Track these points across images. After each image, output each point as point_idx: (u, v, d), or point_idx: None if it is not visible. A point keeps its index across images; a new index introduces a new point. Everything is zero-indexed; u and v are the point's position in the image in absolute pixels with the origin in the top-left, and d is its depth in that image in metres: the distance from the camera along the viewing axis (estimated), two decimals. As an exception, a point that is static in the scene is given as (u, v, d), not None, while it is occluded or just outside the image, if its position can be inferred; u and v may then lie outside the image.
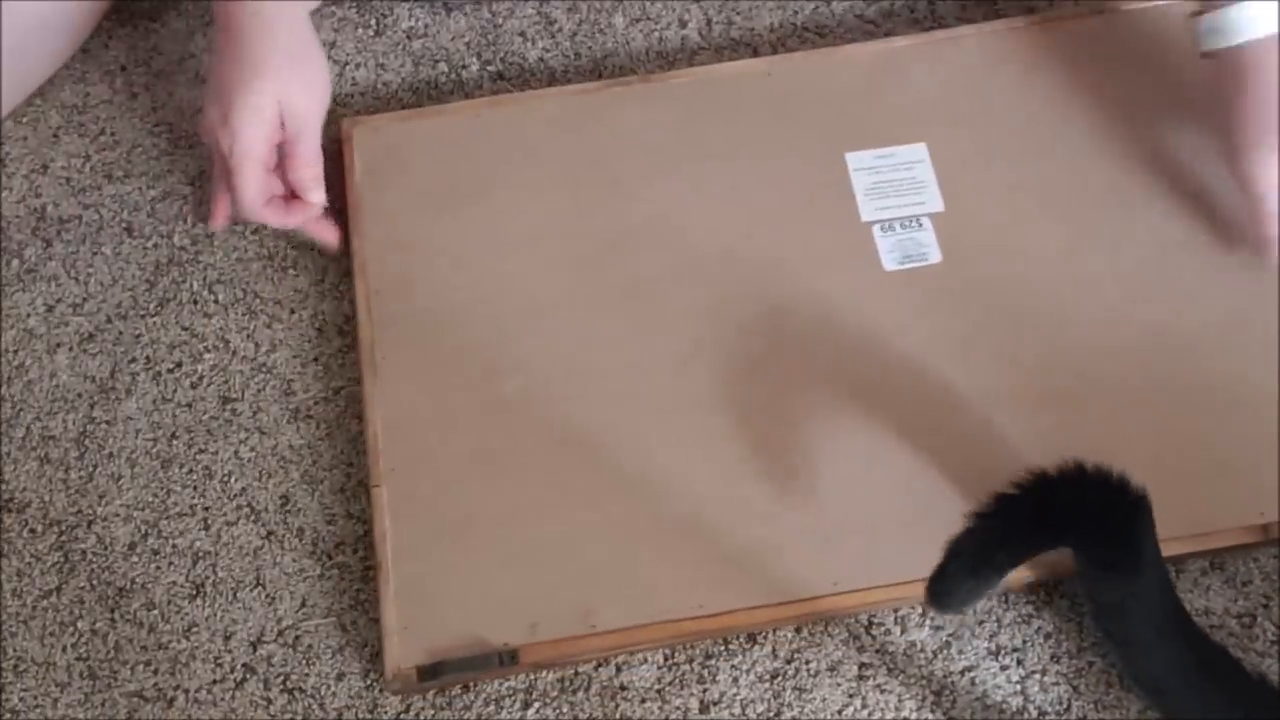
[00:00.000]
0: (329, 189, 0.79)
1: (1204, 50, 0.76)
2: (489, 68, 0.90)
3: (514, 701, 0.70)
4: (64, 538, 0.76)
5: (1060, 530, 0.64)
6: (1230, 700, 0.64)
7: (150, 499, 0.77)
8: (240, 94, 0.73)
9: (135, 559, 0.75)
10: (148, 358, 0.81)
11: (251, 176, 0.74)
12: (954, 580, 0.63)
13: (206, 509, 0.76)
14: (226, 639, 0.73)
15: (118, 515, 0.76)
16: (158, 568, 0.75)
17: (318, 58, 0.78)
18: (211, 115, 0.75)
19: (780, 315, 0.77)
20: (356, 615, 0.73)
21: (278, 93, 0.74)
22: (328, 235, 0.80)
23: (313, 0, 0.80)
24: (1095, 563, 0.64)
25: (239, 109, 0.73)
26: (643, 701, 0.70)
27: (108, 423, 0.79)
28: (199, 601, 0.74)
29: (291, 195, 0.78)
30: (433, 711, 0.70)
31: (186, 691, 0.72)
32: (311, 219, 0.79)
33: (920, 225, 0.80)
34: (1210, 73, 0.77)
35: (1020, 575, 0.70)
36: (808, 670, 0.70)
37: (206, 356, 0.81)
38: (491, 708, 0.70)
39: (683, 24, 0.91)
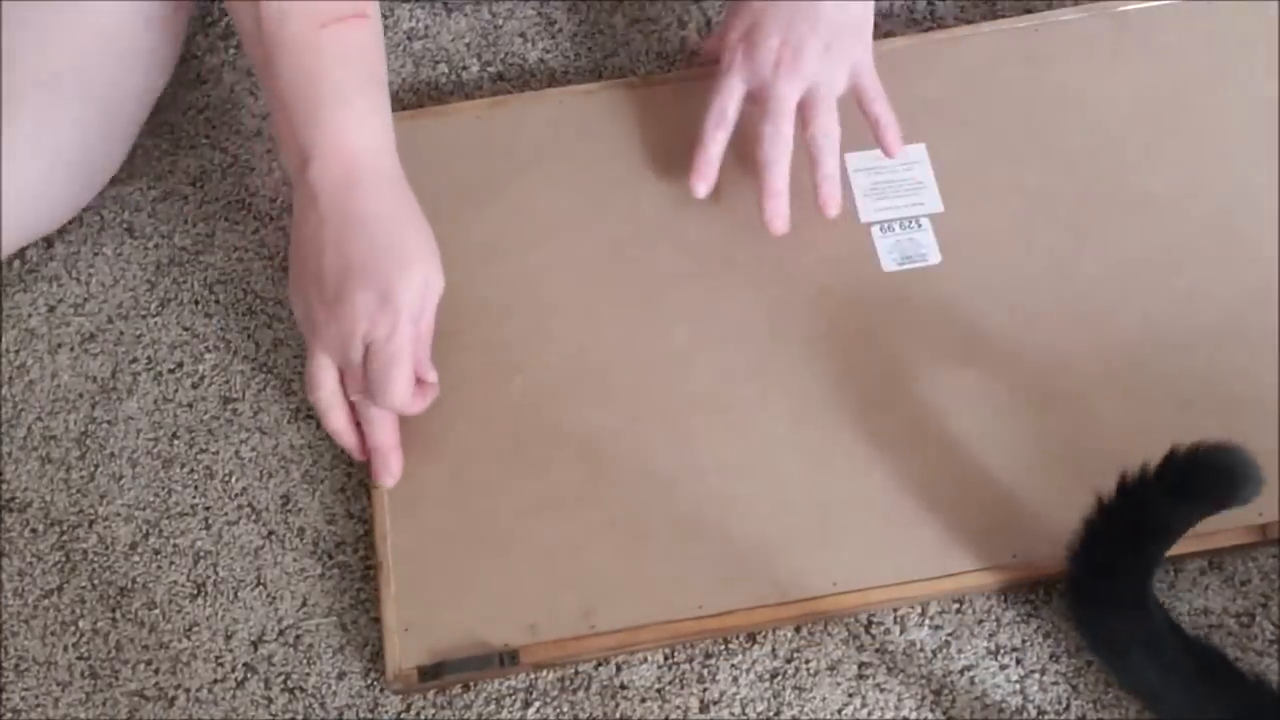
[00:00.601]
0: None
1: None
2: (489, 68, 0.90)
3: (514, 701, 0.70)
4: (65, 537, 0.76)
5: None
6: (1227, 703, 0.64)
7: (151, 499, 0.77)
8: (399, 278, 0.68)
9: (136, 558, 0.75)
10: (149, 358, 0.81)
11: (410, 367, 0.69)
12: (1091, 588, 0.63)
13: (207, 509, 0.76)
14: (227, 638, 0.73)
15: (119, 515, 0.77)
16: (159, 567, 0.75)
17: (425, 227, 0.71)
18: (356, 305, 0.68)
19: (780, 315, 0.78)
20: (357, 615, 0.73)
21: (427, 273, 0.69)
22: (395, 466, 0.73)
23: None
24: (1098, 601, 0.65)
25: (401, 296, 0.68)
26: (643, 701, 0.70)
27: (109, 422, 0.79)
28: (200, 601, 0.74)
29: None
30: (433, 711, 0.70)
31: (187, 691, 0.72)
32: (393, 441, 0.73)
33: (920, 226, 0.80)
34: None
35: (1020, 575, 0.70)
36: (807, 669, 0.70)
37: (207, 356, 0.81)
38: (492, 707, 0.70)
39: (682, 24, 0.91)
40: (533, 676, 0.71)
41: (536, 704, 0.70)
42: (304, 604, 0.74)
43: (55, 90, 0.76)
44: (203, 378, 0.80)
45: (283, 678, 0.72)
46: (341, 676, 0.72)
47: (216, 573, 0.75)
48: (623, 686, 0.70)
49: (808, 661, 0.71)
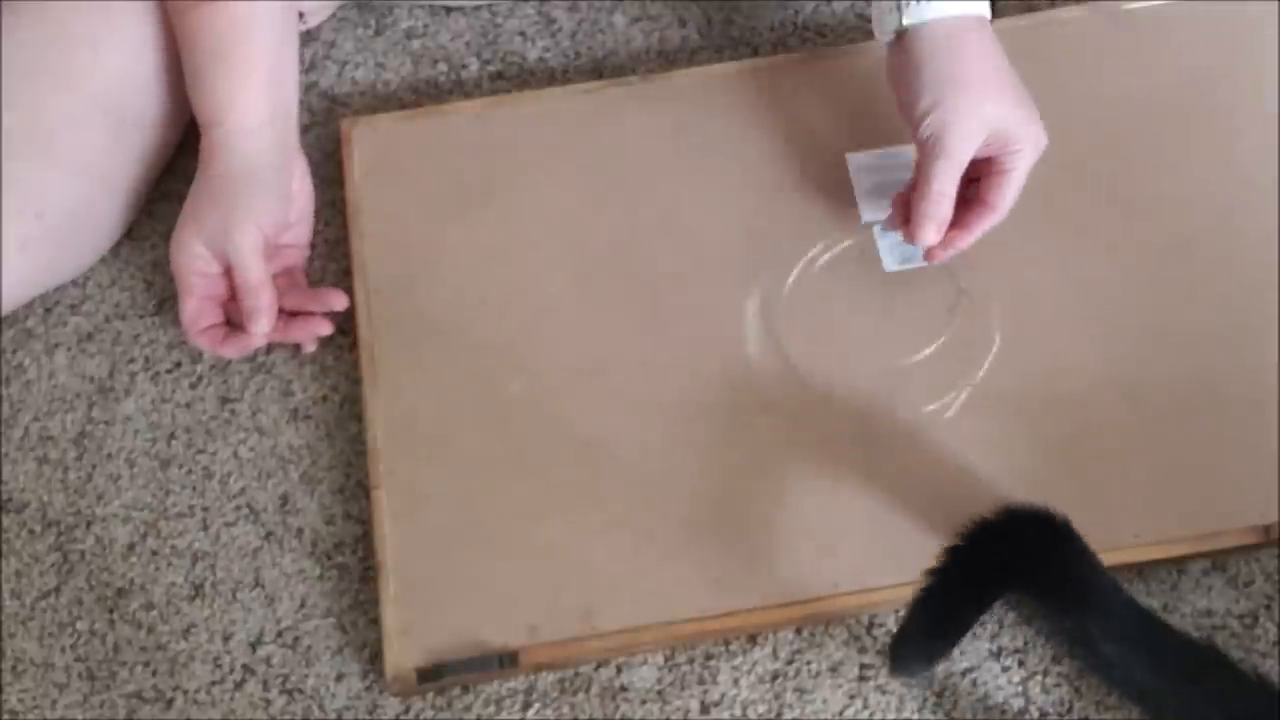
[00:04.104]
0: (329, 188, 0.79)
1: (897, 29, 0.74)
2: (489, 67, 0.89)
3: (514, 702, 0.70)
4: (63, 538, 0.76)
5: (1003, 579, 0.66)
6: (1217, 696, 0.63)
7: (149, 499, 0.77)
8: (175, 232, 0.78)
9: (134, 559, 0.75)
10: (146, 358, 0.81)
11: (184, 303, 0.78)
12: (912, 647, 0.65)
13: (205, 509, 0.76)
14: (225, 640, 0.73)
15: (116, 516, 0.76)
16: (156, 568, 0.75)
17: (249, 198, 0.77)
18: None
19: (780, 315, 0.77)
20: (356, 616, 0.73)
21: (200, 233, 0.77)
22: (298, 336, 0.79)
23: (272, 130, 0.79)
24: (1045, 599, 0.66)
25: (172, 246, 0.78)
26: (643, 703, 0.70)
27: (106, 423, 0.79)
28: (198, 602, 0.74)
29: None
30: (432, 713, 0.70)
31: (185, 692, 0.72)
32: (250, 348, 0.79)
33: (921, 225, 0.79)
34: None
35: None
36: (809, 671, 0.70)
37: (205, 356, 0.80)
38: (491, 708, 0.70)
39: (683, 24, 0.90)
40: (532, 678, 0.71)
41: (536, 705, 0.70)
42: (302, 605, 0.73)
43: (46, 148, 0.77)
44: (200, 378, 0.80)
45: (281, 679, 0.72)
46: (340, 678, 0.71)
47: (215, 574, 0.74)
48: (623, 688, 0.70)
49: (809, 663, 0.70)
